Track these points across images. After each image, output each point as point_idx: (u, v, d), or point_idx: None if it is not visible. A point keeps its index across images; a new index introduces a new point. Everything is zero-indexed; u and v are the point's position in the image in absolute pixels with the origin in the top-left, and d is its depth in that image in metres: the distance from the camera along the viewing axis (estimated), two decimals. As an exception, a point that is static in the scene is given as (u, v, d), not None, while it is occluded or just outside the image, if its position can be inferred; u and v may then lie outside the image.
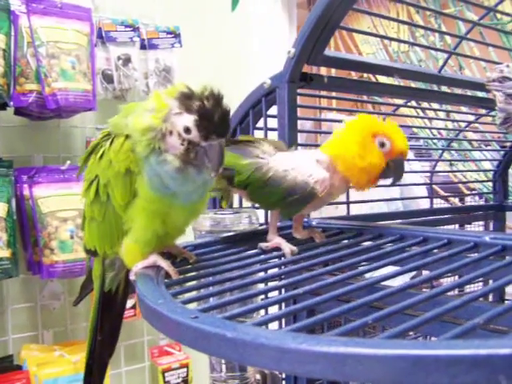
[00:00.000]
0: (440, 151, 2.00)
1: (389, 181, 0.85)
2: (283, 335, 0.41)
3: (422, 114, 2.85)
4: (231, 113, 0.67)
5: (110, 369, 1.96)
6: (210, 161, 0.65)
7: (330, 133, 0.89)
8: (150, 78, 2.08)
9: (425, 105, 2.52)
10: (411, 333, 1.19)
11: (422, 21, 3.23)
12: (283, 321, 1.08)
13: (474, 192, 2.99)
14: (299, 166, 0.80)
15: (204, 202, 0.74)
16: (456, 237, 0.75)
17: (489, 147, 2.72)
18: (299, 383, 1.13)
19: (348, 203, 1.41)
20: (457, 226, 2.44)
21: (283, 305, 0.92)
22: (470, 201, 3.20)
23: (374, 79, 2.81)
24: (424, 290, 0.96)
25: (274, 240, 0.80)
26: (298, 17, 2.97)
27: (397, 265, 0.72)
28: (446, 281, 2.10)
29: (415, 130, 3.29)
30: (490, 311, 0.47)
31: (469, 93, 1.97)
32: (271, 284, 0.69)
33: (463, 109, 1.82)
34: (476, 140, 2.76)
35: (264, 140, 0.87)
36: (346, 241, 0.84)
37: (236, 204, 1.21)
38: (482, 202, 2.74)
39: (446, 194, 3.05)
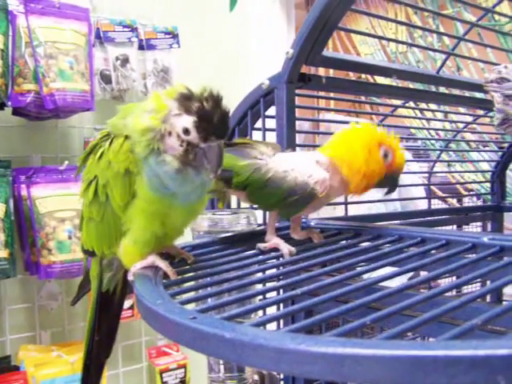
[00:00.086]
0: (438, 152, 2.00)
1: (382, 191, 0.87)
2: (282, 336, 0.41)
3: (419, 115, 2.86)
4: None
5: (107, 369, 1.96)
6: (208, 162, 0.65)
7: (328, 133, 0.90)
8: (148, 78, 2.08)
9: (423, 105, 2.52)
10: (409, 333, 1.19)
11: (420, 22, 3.24)
12: (281, 321, 1.09)
13: (471, 193, 2.99)
14: (299, 166, 0.80)
15: (203, 203, 0.74)
16: (454, 238, 0.75)
17: (487, 148, 2.73)
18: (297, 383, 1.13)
19: (346, 204, 1.41)
20: (455, 226, 2.45)
21: (281, 305, 0.92)
22: (467, 202, 3.20)
23: (372, 80, 2.82)
24: (422, 290, 0.96)
25: (273, 240, 0.80)
26: (296, 17, 2.97)
27: (395, 266, 0.72)
28: (444, 281, 2.10)
29: (413, 130, 3.30)
30: (488, 312, 0.47)
31: (467, 94, 1.97)
32: (269, 285, 0.69)
33: (461, 110, 1.83)
34: (474, 141, 2.77)
35: (260, 142, 0.87)
36: (344, 241, 0.84)
37: (234, 205, 1.21)
38: (479, 203, 2.75)
39: (443, 195, 3.05)
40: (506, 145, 1.96)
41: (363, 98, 2.18)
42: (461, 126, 1.99)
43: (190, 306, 0.54)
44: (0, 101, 1.67)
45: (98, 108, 1.91)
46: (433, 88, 1.92)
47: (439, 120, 2.68)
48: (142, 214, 0.67)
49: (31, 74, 1.74)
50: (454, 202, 3.32)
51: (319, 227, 0.92)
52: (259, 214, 1.05)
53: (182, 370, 2.12)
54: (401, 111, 2.61)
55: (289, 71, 1.08)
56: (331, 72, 2.87)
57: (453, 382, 0.33)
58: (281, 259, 0.77)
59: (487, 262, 0.66)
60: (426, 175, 1.96)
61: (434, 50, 2.78)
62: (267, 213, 0.90)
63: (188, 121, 0.63)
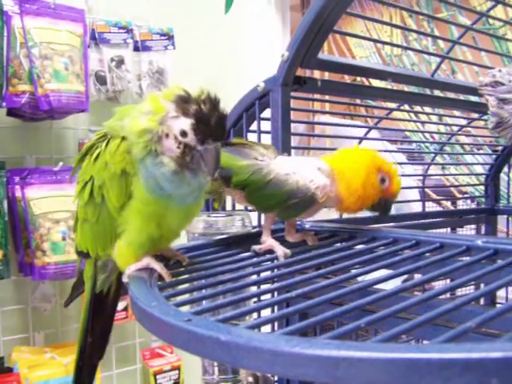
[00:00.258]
0: (432, 155, 2.01)
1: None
2: (276, 338, 0.41)
3: (414, 118, 2.87)
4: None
5: (101, 371, 1.95)
6: (205, 164, 0.65)
7: (322, 136, 0.91)
8: (143, 79, 2.08)
9: (418, 108, 2.52)
10: (404, 336, 1.19)
11: (414, 25, 3.25)
12: (276, 324, 1.09)
13: (466, 195, 3.00)
14: (301, 170, 0.81)
15: (199, 205, 0.74)
16: (448, 240, 0.76)
17: (481, 151, 2.73)
18: (291, 386, 1.13)
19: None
20: (449, 229, 2.45)
21: (276, 308, 0.92)
22: (462, 204, 3.21)
23: (367, 83, 2.82)
24: (416, 293, 0.97)
25: (268, 242, 0.81)
26: (292, 20, 2.98)
27: (389, 268, 0.72)
28: (439, 284, 2.11)
29: (408, 133, 3.31)
30: (482, 315, 0.47)
31: (461, 97, 1.97)
32: (264, 287, 0.69)
33: (456, 113, 1.83)
34: (468, 144, 2.78)
35: (259, 144, 0.88)
36: (338, 244, 0.85)
37: (229, 207, 1.21)
38: (473, 206, 2.75)
39: (438, 198, 3.06)
40: (500, 148, 1.97)
41: (358, 101, 2.18)
42: (455, 128, 2.00)
43: (185, 308, 0.54)
44: (-5, 101, 1.67)
45: (92, 109, 1.91)
46: (428, 91, 1.93)
47: (434, 123, 2.69)
48: (138, 216, 0.67)
49: (26, 75, 1.74)
50: (448, 204, 3.33)
51: (314, 229, 0.92)
52: (254, 216, 1.05)
53: (176, 371, 2.11)
54: (396, 114, 2.61)
55: (284, 74, 1.08)
56: (326, 75, 2.88)
57: (447, 384, 0.33)
58: (275, 261, 0.77)
59: (481, 265, 0.67)
60: (421, 178, 1.96)
61: (429, 54, 2.79)
62: (263, 215, 0.90)
63: (185, 123, 0.64)
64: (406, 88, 1.63)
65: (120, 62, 2.00)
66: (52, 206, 1.79)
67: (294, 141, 2.54)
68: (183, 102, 0.64)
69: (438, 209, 3.04)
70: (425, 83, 1.53)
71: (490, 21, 2.48)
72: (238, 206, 1.12)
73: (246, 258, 0.79)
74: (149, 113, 0.65)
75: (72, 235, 1.77)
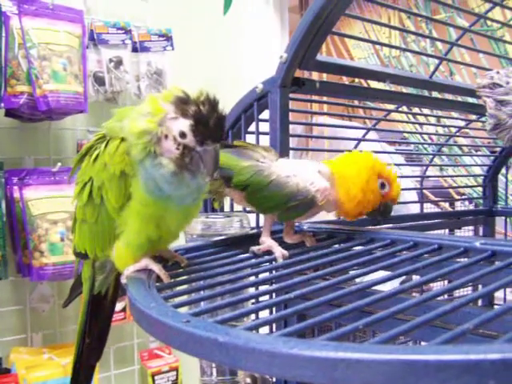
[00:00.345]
0: (430, 156, 2.01)
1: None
2: (274, 340, 0.41)
3: (413, 119, 2.87)
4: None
5: (99, 372, 1.95)
6: (204, 165, 0.65)
7: (321, 137, 0.92)
8: (141, 80, 2.08)
9: (416, 110, 2.53)
10: (402, 337, 1.19)
11: (413, 26, 3.25)
12: (274, 325, 1.09)
13: (464, 197, 3.00)
14: (301, 173, 0.82)
15: (198, 207, 0.74)
16: (446, 242, 0.76)
17: (479, 152, 2.74)
18: (289, 387, 1.13)
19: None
20: (447, 230, 2.45)
21: (274, 309, 0.92)
22: (460, 206, 3.22)
23: (365, 84, 2.82)
24: (414, 294, 0.97)
25: (267, 243, 0.81)
26: (290, 21, 2.98)
27: (387, 270, 0.72)
28: (437, 285, 2.11)
29: (406, 134, 3.32)
30: (479, 316, 0.47)
31: (459, 98, 1.98)
32: (262, 288, 0.69)
33: (454, 114, 1.84)
34: (466, 145, 2.78)
35: (260, 146, 0.88)
36: (336, 245, 0.85)
37: (227, 208, 1.21)
38: (471, 207, 2.76)
39: (436, 199, 3.06)
40: (498, 149, 1.97)
41: (356, 102, 2.18)
42: (453, 130, 2.00)
43: (183, 310, 0.54)
44: (-7, 102, 1.67)
45: (91, 110, 1.91)
46: (426, 93, 1.93)
47: (432, 124, 2.69)
48: (137, 217, 0.67)
49: (24, 76, 1.74)
50: (446, 206, 3.33)
51: (312, 231, 0.92)
52: (252, 217, 1.06)
53: (174, 372, 2.11)
54: (394, 115, 2.62)
55: (282, 75, 1.08)
56: (324, 76, 2.88)
57: (444, 386, 0.33)
58: (274, 263, 0.78)
59: (479, 267, 0.67)
60: (419, 179, 1.96)
61: (427, 55, 2.79)
62: (262, 215, 0.90)
63: (184, 124, 0.64)
64: (404, 89, 1.63)
65: (118, 63, 2.00)
66: (50, 206, 1.79)
67: (293, 142, 2.55)
68: (182, 104, 0.64)
69: (436, 210, 3.04)
70: (423, 85, 1.54)
71: (488, 22, 2.49)
72: (237, 207, 1.12)
73: (245, 259, 0.79)
74: (148, 114, 0.65)
75: (70, 236, 1.77)
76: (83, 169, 0.72)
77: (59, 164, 1.87)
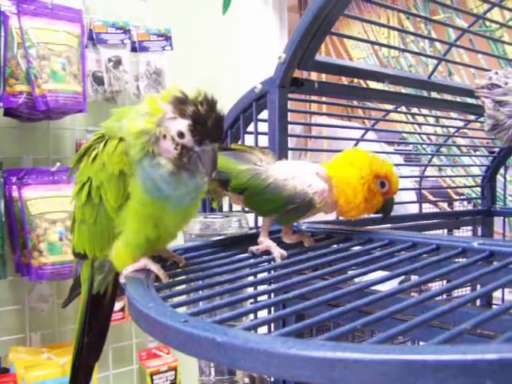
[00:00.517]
0: (429, 156, 2.01)
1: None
2: (273, 340, 0.41)
3: (411, 120, 2.87)
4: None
5: (97, 371, 1.95)
6: (203, 165, 0.65)
7: (319, 137, 0.92)
8: (140, 80, 2.08)
9: (415, 110, 2.53)
10: (400, 337, 1.20)
11: (412, 27, 3.26)
12: (272, 325, 1.09)
13: (462, 197, 3.01)
14: (299, 175, 0.82)
15: (196, 207, 0.74)
16: (444, 242, 0.76)
17: (477, 153, 2.74)
18: (288, 387, 1.13)
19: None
20: (445, 230, 2.46)
21: (272, 309, 0.92)
22: (458, 206, 3.22)
23: (364, 84, 2.83)
24: (413, 294, 0.97)
25: (265, 243, 0.81)
26: (289, 21, 2.98)
27: (386, 270, 0.72)
28: (435, 285, 2.11)
29: (405, 135, 3.32)
30: (477, 317, 0.47)
31: (458, 99, 1.98)
32: (261, 288, 0.69)
33: (452, 114, 1.84)
34: (465, 145, 2.78)
35: (258, 149, 0.88)
36: (335, 245, 0.85)
37: (226, 208, 1.21)
38: (470, 207, 2.76)
39: (434, 199, 3.07)
40: (496, 150, 1.97)
41: (355, 103, 2.18)
42: (452, 130, 2.00)
43: (182, 310, 0.54)
44: (-9, 102, 1.67)
45: (90, 110, 1.91)
46: (424, 93, 1.93)
47: (431, 125, 2.69)
48: (136, 217, 0.68)
49: (23, 75, 1.74)
50: (444, 206, 3.33)
51: (310, 231, 0.92)
52: (251, 217, 1.06)
53: (173, 372, 2.11)
54: (393, 116, 2.62)
55: (281, 76, 1.08)
56: (323, 76, 2.88)
57: (442, 386, 0.33)
58: (272, 263, 0.78)
59: (477, 267, 0.67)
60: (418, 179, 1.97)
61: (426, 56, 2.79)
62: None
63: (183, 124, 0.64)
64: (403, 90, 1.63)
65: (117, 63, 2.00)
66: (49, 206, 1.79)
67: (291, 142, 2.55)
68: (180, 104, 0.64)
69: (435, 210, 3.04)
70: (422, 85, 1.54)
71: (487, 23, 2.49)
72: (235, 207, 1.12)
73: (243, 259, 0.79)
74: (146, 114, 0.66)
75: (69, 236, 1.77)
76: (82, 169, 0.72)
77: (58, 164, 1.87)
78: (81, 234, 0.74)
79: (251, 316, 0.93)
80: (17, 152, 1.88)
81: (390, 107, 1.63)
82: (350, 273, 0.69)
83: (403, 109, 1.77)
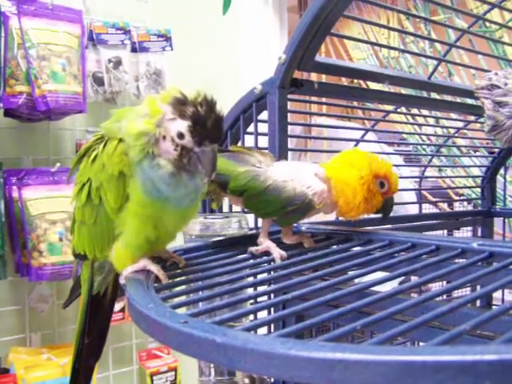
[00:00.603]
0: (429, 157, 2.01)
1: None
2: (272, 340, 0.41)
3: (411, 120, 2.87)
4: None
5: (97, 372, 1.95)
6: (203, 166, 0.65)
7: (319, 138, 0.92)
8: (140, 80, 2.08)
9: (414, 111, 2.53)
10: (400, 338, 1.20)
11: (412, 27, 3.26)
12: (272, 326, 1.09)
13: (462, 198, 3.01)
14: (298, 177, 0.82)
15: (196, 208, 0.74)
16: (444, 243, 0.76)
17: (477, 153, 2.74)
18: (287, 387, 1.13)
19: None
20: (445, 231, 2.46)
21: (272, 310, 0.92)
22: (458, 206, 3.22)
23: (364, 85, 2.83)
24: (413, 295, 0.97)
25: (265, 244, 0.81)
26: (289, 21, 2.98)
27: (385, 270, 0.72)
28: (435, 286, 2.11)
29: (405, 135, 3.32)
30: (476, 317, 0.47)
31: (458, 99, 1.98)
32: (260, 289, 0.69)
33: (452, 115, 1.84)
34: (465, 146, 2.78)
35: (257, 151, 0.88)
36: (335, 246, 0.85)
37: (226, 208, 1.22)
38: (470, 208, 2.76)
39: (434, 200, 3.07)
40: (496, 150, 1.97)
41: (355, 103, 2.19)
42: (452, 131, 2.01)
43: (182, 310, 0.54)
44: (-8, 102, 1.67)
45: (90, 110, 1.91)
46: (424, 94, 1.93)
47: (431, 125, 2.70)
48: (135, 218, 0.68)
49: (23, 76, 1.74)
50: (444, 206, 3.34)
51: (310, 231, 0.92)
52: (251, 217, 1.06)
53: (173, 372, 2.11)
54: (393, 116, 2.62)
55: (281, 76, 1.08)
56: (323, 77, 2.88)
57: (441, 387, 0.33)
58: (272, 263, 0.78)
59: (477, 268, 0.67)
60: (418, 180, 1.97)
61: (426, 57, 2.79)
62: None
63: (182, 125, 0.64)
64: (403, 90, 1.63)
65: (117, 63, 2.00)
66: (49, 206, 1.79)
67: (291, 143, 2.55)
68: (180, 105, 0.64)
69: (435, 211, 3.04)
70: (422, 86, 1.54)
71: (487, 24, 2.49)
72: (235, 208, 1.12)
73: (243, 259, 0.79)
74: (146, 115, 0.66)
75: (69, 236, 1.76)
76: (81, 170, 0.72)
77: (58, 164, 1.87)
78: (81, 235, 0.74)
79: (251, 317, 0.93)
80: (17, 152, 1.88)
81: (389, 108, 1.63)
82: (350, 273, 0.69)
83: (403, 109, 1.77)
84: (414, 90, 2.10)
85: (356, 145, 1.51)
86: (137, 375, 2.18)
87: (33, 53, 1.72)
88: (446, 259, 0.71)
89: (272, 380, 1.14)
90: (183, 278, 0.70)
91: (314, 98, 1.61)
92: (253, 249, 0.80)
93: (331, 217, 1.17)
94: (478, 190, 2.03)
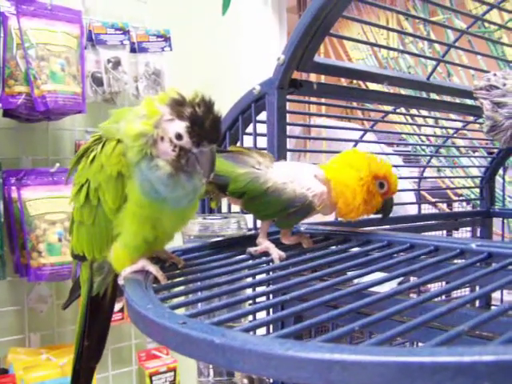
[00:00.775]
0: (428, 157, 2.01)
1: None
2: (271, 341, 0.41)
3: (410, 121, 2.88)
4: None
5: (97, 372, 1.93)
6: (201, 167, 0.65)
7: (319, 138, 0.92)
8: (139, 81, 2.08)
9: (414, 111, 2.54)
10: (398, 338, 1.20)
11: (411, 28, 3.26)
12: (271, 326, 1.09)
13: (461, 198, 3.01)
14: (298, 178, 0.82)
15: (194, 208, 0.74)
16: (443, 243, 0.76)
17: (476, 154, 2.74)
18: (286, 388, 1.13)
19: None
20: (444, 232, 2.46)
21: (271, 310, 0.92)
22: (457, 207, 3.22)
23: (363, 86, 2.83)
24: (412, 295, 0.97)
25: (264, 244, 0.81)
26: (288, 21, 2.98)
27: (384, 271, 0.72)
28: (434, 286, 2.11)
29: (404, 136, 3.32)
30: (475, 318, 0.48)
31: (457, 100, 1.98)
32: (259, 289, 0.69)
33: (451, 116, 1.84)
34: (464, 146, 2.78)
35: (256, 151, 0.88)
36: (333, 247, 0.85)
37: (225, 209, 1.22)
38: (469, 208, 2.76)
39: (433, 200, 3.07)
40: (495, 151, 1.97)
41: (354, 104, 2.19)
42: (451, 131, 2.01)
43: (180, 311, 0.54)
44: (-9, 102, 1.67)
45: (89, 110, 1.91)
46: (424, 94, 1.93)
47: (430, 126, 2.70)
48: (134, 218, 0.68)
49: (22, 76, 1.73)
50: (444, 207, 3.34)
51: (309, 232, 0.92)
52: (249, 218, 1.06)
53: (172, 373, 2.11)
54: (392, 117, 2.62)
55: (280, 77, 1.08)
56: (322, 77, 2.89)
57: (439, 388, 0.33)
58: (271, 264, 0.78)
59: (475, 268, 0.67)
60: (417, 180, 1.97)
61: (425, 57, 2.80)
62: (259, 218, 0.90)
63: (180, 126, 0.64)
64: (402, 91, 1.64)
65: (117, 64, 2.00)
66: (48, 207, 1.79)
67: (290, 143, 2.55)
68: (178, 105, 0.64)
69: (434, 211, 3.05)
70: (421, 86, 1.54)
71: (486, 24, 2.49)
72: (234, 208, 1.12)
73: (242, 260, 0.79)
74: (144, 116, 0.66)
75: (68, 237, 1.76)
76: (80, 170, 0.72)
77: (57, 164, 1.87)
78: (79, 236, 0.74)
79: (250, 317, 0.93)
80: (16, 153, 1.88)
81: (389, 108, 1.63)
82: (349, 274, 0.69)
83: (402, 110, 1.77)
84: (413, 91, 2.10)
85: (355, 145, 1.51)
86: (136, 376, 2.18)
87: (32, 53, 1.72)
88: (444, 260, 0.71)
89: (271, 381, 1.14)
90: (182, 278, 0.70)
91: (313, 99, 1.61)
92: (252, 249, 0.80)
93: (330, 217, 1.17)
94: (477, 190, 2.03)
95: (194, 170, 0.66)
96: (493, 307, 1.77)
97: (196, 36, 2.43)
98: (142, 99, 0.69)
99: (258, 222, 0.91)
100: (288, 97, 1.13)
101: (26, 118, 1.81)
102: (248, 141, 1.18)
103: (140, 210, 0.67)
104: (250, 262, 0.78)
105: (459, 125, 1.90)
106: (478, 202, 2.02)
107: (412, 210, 2.08)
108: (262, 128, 1.14)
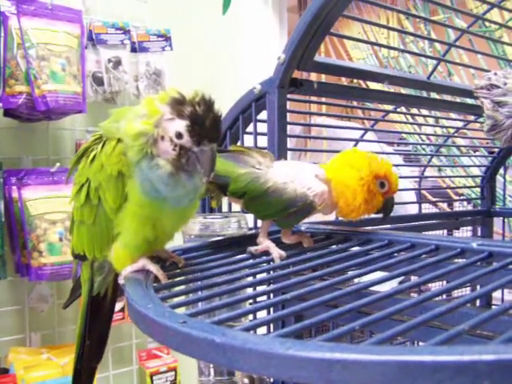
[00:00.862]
0: (429, 157, 2.01)
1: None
2: (271, 340, 0.41)
3: (411, 120, 2.87)
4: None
5: (97, 372, 1.94)
6: (201, 166, 0.65)
7: (319, 137, 0.92)
8: (140, 80, 2.08)
9: (414, 111, 2.53)
10: (399, 338, 1.20)
11: (411, 27, 3.26)
12: (271, 326, 1.09)
13: (462, 197, 3.01)
14: (298, 178, 0.81)
15: (194, 207, 0.74)
16: (443, 243, 0.76)
17: (477, 153, 2.74)
18: (287, 387, 1.13)
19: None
20: (445, 231, 2.46)
21: (271, 310, 0.92)
22: (458, 206, 3.22)
23: (364, 85, 2.83)
24: (413, 295, 0.97)
25: (264, 243, 0.81)
26: (289, 21, 2.98)
27: (385, 270, 0.72)
28: (435, 285, 2.11)
29: (404, 135, 3.32)
30: (475, 317, 0.48)
31: (458, 99, 1.98)
32: (260, 289, 0.69)
33: (452, 115, 1.84)
34: (464, 146, 2.78)
35: (257, 151, 0.87)
36: (334, 246, 0.85)
37: (225, 208, 1.22)
38: (470, 208, 2.76)
39: (434, 200, 3.07)
40: (496, 150, 1.97)
41: (355, 103, 2.18)
42: (452, 131, 2.00)
43: (181, 310, 0.54)
44: (-9, 102, 1.67)
45: (89, 110, 1.91)
46: (424, 93, 1.93)
47: (430, 125, 2.69)
48: (134, 218, 0.67)
49: (23, 76, 1.74)
50: (444, 206, 3.34)
51: (310, 231, 0.92)
52: (250, 217, 1.06)
53: (173, 372, 2.11)
54: (392, 116, 2.62)
55: (280, 76, 1.08)
56: (323, 76, 2.88)
57: (439, 387, 0.33)
58: (271, 263, 0.78)
59: (476, 268, 0.67)
60: (417, 180, 1.97)
61: (426, 56, 2.79)
62: (260, 217, 0.90)
63: (180, 125, 0.64)
64: (402, 90, 1.63)
65: (117, 63, 2.00)
66: (49, 206, 1.79)
67: (291, 142, 2.55)
68: (178, 104, 0.64)
69: (435, 211, 3.04)
70: (421, 86, 1.54)
71: (487, 24, 2.49)
72: (235, 208, 1.12)
73: (242, 259, 0.79)
74: (144, 116, 0.66)
75: (69, 236, 1.76)
76: (80, 170, 0.72)
77: (58, 164, 1.87)
78: (80, 235, 0.74)
79: (250, 317, 0.93)
80: (16, 152, 1.88)
81: (389, 108, 1.63)
82: (349, 273, 0.69)
83: (403, 109, 1.77)
84: (413, 90, 2.10)
85: (356, 144, 1.51)
86: (136, 375, 2.18)
87: (32, 53, 1.72)
88: (445, 259, 0.71)
89: (271, 380, 1.14)
90: (182, 277, 0.70)
91: (313, 98, 1.61)
92: (252, 248, 0.80)
93: (331, 216, 1.17)
94: (478, 189, 2.03)
95: (194, 169, 0.66)
96: (493, 306, 1.77)
97: (196, 36, 2.43)
98: (143, 99, 0.69)
99: (259, 222, 0.91)
100: (288, 96, 1.13)
101: (27, 118, 1.82)
102: (248, 140, 1.18)
103: (140, 210, 0.67)
104: (251, 261, 0.78)
105: (460, 124, 1.90)
106: (479, 201, 2.02)
107: (413, 210, 2.08)
108: (262, 127, 1.14)
